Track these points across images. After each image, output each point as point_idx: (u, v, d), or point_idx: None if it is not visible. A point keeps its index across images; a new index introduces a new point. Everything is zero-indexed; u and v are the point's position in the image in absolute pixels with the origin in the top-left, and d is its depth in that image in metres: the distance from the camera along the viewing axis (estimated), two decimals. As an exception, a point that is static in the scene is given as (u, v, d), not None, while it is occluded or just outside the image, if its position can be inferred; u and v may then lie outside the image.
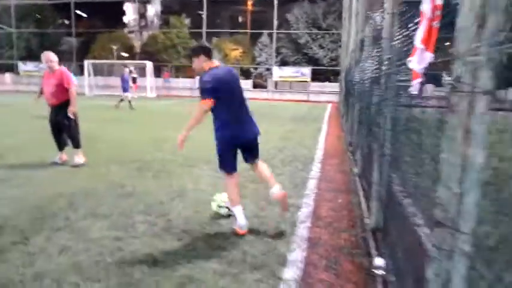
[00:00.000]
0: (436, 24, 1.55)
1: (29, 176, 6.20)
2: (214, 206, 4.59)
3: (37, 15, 39.92)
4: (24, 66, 35.23)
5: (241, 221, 4.14)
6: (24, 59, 36.78)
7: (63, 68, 7.03)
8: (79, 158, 7.01)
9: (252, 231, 4.14)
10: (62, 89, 6.83)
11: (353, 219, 4.63)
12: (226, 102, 4.06)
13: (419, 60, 1.68)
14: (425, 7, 1.60)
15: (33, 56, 37.18)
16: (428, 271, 1.73)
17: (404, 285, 2.53)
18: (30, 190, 5.44)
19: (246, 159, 4.41)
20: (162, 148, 8.65)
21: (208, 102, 3.95)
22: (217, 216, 4.55)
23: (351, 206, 5.11)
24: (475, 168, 1.38)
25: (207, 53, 4.14)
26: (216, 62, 4.20)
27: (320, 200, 5.29)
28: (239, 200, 4.27)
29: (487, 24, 1.18)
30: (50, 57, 6.87)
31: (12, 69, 36.76)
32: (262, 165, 4.47)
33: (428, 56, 1.62)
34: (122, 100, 19.48)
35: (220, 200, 4.61)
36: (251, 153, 4.39)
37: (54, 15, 42.76)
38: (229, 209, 4.52)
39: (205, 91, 3.97)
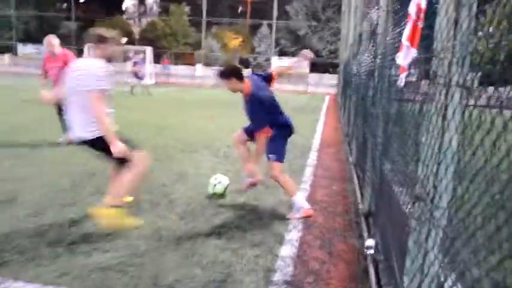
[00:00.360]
0: (420, 24, 1.77)
1: (36, 154, 6.51)
2: (210, 189, 4.84)
3: None
4: (23, 49, 35.22)
5: (306, 204, 4.44)
6: (23, 41, 36.75)
7: (66, 50, 7.21)
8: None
9: (251, 212, 4.39)
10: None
11: (347, 204, 4.88)
12: (274, 104, 4.37)
13: (405, 55, 1.91)
14: (412, 9, 1.83)
15: (32, 38, 37.17)
16: (409, 241, 1.98)
17: (391, 261, 2.77)
18: (39, 168, 5.72)
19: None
20: (162, 134, 8.87)
21: (268, 131, 4.22)
22: (216, 196, 4.81)
23: (345, 192, 5.35)
24: (450, 150, 1.61)
25: (238, 75, 4.26)
26: (246, 78, 4.32)
27: (316, 186, 5.53)
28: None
29: (459, 27, 1.41)
30: (51, 41, 7.04)
31: (10, 50, 36.76)
32: None
33: (413, 52, 1.85)
34: (146, 87, 19.63)
35: (213, 180, 4.89)
36: None
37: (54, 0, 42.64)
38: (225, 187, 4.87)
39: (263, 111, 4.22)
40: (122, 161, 3.75)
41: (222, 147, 7.60)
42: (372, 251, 3.39)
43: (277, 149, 4.36)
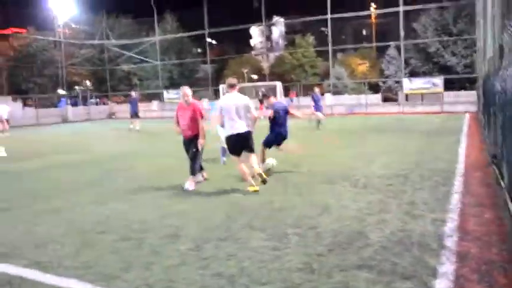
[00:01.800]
0: None
1: (188, 192, 7.22)
2: (271, 165, 8.33)
3: (177, 47, 43.92)
4: (167, 94, 39.04)
5: (271, 161, 8.43)
6: (167, 87, 40.79)
7: (196, 101, 7.82)
8: (190, 184, 7.48)
9: (399, 244, 4.34)
10: (196, 121, 7.56)
11: (503, 233, 4.55)
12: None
13: None
14: None
15: (174, 84, 41.16)
16: None
17: None
18: (192, 204, 6.34)
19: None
20: (300, 166, 9.07)
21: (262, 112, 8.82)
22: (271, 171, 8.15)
23: (499, 220, 4.99)
24: None
25: (265, 97, 9.48)
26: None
27: (466, 215, 5.24)
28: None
29: None
30: (186, 92, 7.66)
31: (158, 97, 40.98)
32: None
33: None
34: (319, 122, 18.57)
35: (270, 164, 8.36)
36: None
37: (191, 46, 46.63)
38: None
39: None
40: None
41: (360, 178, 7.59)
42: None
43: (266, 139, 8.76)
